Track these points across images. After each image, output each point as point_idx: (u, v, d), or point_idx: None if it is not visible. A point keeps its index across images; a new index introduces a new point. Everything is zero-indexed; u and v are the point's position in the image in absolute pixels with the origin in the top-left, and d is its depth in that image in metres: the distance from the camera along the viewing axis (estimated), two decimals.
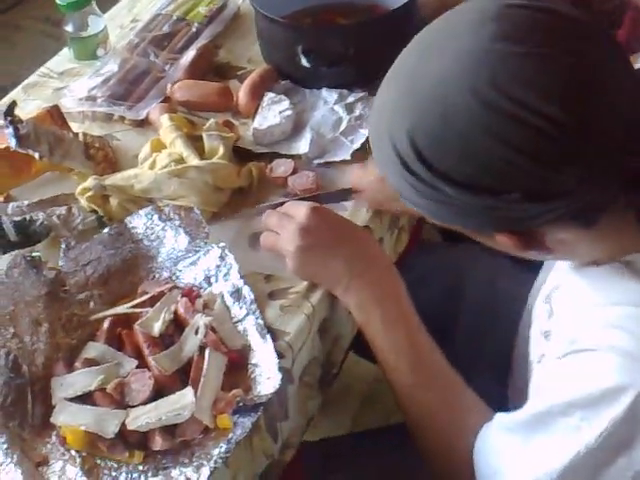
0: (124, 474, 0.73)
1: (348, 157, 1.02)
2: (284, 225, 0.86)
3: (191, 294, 0.85)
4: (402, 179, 0.66)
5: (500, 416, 0.75)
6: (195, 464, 0.73)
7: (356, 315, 0.85)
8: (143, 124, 1.10)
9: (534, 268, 0.89)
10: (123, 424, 0.74)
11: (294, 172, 1.00)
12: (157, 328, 0.81)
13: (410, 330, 0.82)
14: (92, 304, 0.87)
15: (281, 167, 1.00)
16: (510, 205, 0.61)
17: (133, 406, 0.76)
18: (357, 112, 1.08)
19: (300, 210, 0.86)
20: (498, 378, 0.94)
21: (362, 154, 1.02)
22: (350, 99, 1.09)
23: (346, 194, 0.97)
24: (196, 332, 0.80)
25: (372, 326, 0.83)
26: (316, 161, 1.02)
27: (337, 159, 1.02)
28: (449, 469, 0.80)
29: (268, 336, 0.81)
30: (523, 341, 0.87)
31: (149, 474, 0.73)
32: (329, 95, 1.11)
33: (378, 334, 0.83)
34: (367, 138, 1.04)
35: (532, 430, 0.69)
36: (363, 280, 0.83)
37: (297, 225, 0.85)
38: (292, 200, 0.94)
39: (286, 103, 1.08)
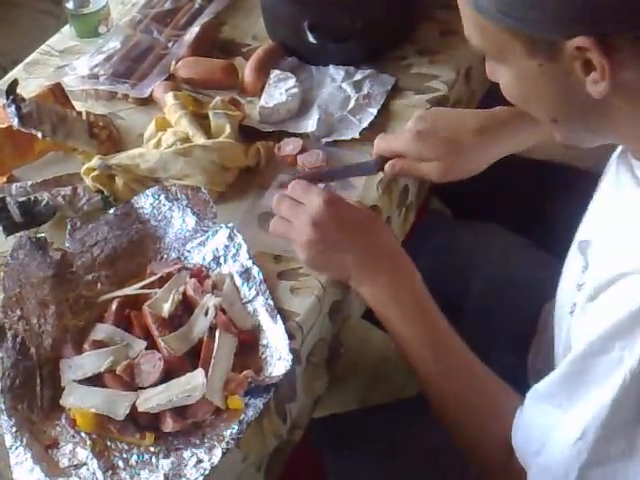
0: (135, 456, 0.73)
1: (357, 135, 1.00)
2: (296, 215, 0.84)
3: (200, 275, 0.84)
4: None
5: (534, 389, 0.73)
6: (207, 445, 0.72)
7: (373, 309, 0.84)
8: (147, 102, 1.09)
9: (548, 248, 0.88)
10: (133, 406, 0.74)
11: (302, 151, 0.98)
12: (166, 309, 0.80)
13: (429, 321, 0.82)
14: (99, 285, 0.86)
15: (289, 145, 0.99)
16: None
17: (143, 388, 0.75)
18: (365, 90, 1.06)
19: (313, 200, 0.83)
20: (515, 352, 0.94)
21: (370, 134, 1.01)
22: (358, 76, 1.08)
23: (376, 165, 0.94)
24: (206, 313, 0.79)
25: (390, 321, 0.82)
26: (324, 140, 1.01)
27: (346, 137, 1.00)
28: (482, 452, 0.79)
29: (278, 317, 0.80)
30: (552, 305, 0.86)
31: (160, 455, 0.72)
32: (336, 72, 1.09)
33: (397, 328, 0.82)
34: (375, 117, 1.02)
35: (573, 381, 0.67)
36: (376, 278, 0.82)
37: (309, 217, 0.83)
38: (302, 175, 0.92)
39: (292, 81, 1.07)
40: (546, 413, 0.70)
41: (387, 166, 0.93)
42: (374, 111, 1.03)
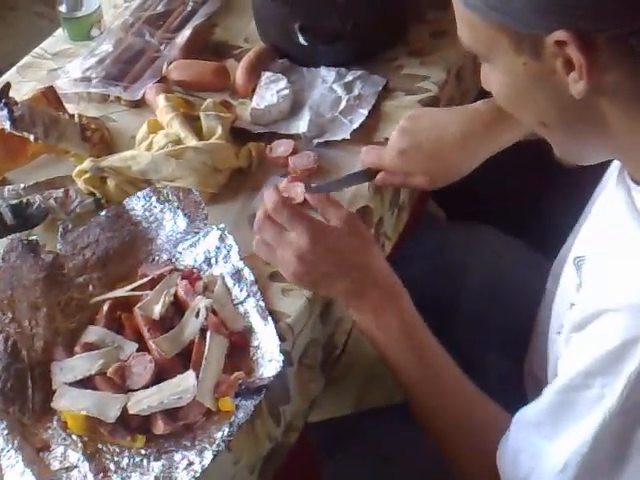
0: (126, 458, 0.73)
1: (348, 136, 1.00)
2: (280, 244, 0.83)
3: (191, 276, 0.84)
4: None
5: (520, 415, 0.73)
6: (198, 448, 0.72)
7: (360, 331, 0.84)
8: (139, 105, 1.09)
9: (542, 248, 0.88)
10: (124, 408, 0.74)
11: (294, 152, 0.98)
12: (157, 311, 0.80)
13: (417, 348, 0.81)
14: (91, 287, 0.86)
15: (281, 147, 0.99)
16: None
17: (134, 390, 0.75)
18: (356, 91, 1.06)
19: (300, 230, 0.81)
20: (510, 355, 0.94)
21: (361, 135, 1.01)
22: (349, 77, 1.08)
23: (367, 175, 0.95)
24: (197, 315, 0.79)
25: (377, 344, 0.82)
26: (315, 141, 1.01)
27: (337, 138, 1.00)
28: (469, 472, 0.79)
29: (269, 318, 0.80)
30: (546, 313, 0.86)
31: (151, 458, 0.72)
32: (327, 74, 1.09)
33: (384, 353, 0.82)
34: (366, 118, 1.02)
35: (557, 412, 0.67)
36: (362, 306, 0.82)
37: (294, 251, 0.81)
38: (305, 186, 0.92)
39: (284, 82, 1.07)
40: (532, 441, 0.70)
41: (377, 179, 0.94)
42: (365, 112, 1.03)
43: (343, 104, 1.04)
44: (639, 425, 0.61)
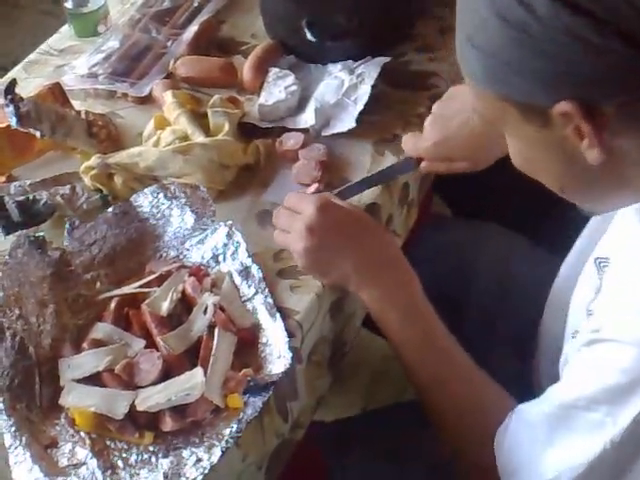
0: (134, 455, 0.72)
1: (353, 123, 0.99)
2: (291, 224, 0.84)
3: (199, 273, 0.84)
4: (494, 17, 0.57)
5: (522, 409, 0.73)
6: (206, 444, 0.72)
7: (371, 312, 0.84)
8: (146, 101, 1.09)
9: (550, 247, 0.87)
10: (132, 405, 0.73)
11: (303, 146, 0.98)
12: (165, 308, 0.79)
13: (426, 328, 0.81)
14: (98, 284, 0.86)
15: (291, 140, 0.99)
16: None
17: (142, 387, 0.75)
18: (359, 71, 1.05)
19: (307, 208, 0.83)
20: (516, 355, 0.93)
21: (370, 130, 1.00)
22: (353, 66, 1.07)
23: (412, 164, 0.94)
24: (205, 311, 0.79)
25: (387, 325, 0.82)
26: (323, 133, 1.00)
27: (343, 129, 0.99)
28: (473, 459, 0.79)
29: (278, 315, 0.80)
30: (551, 315, 0.85)
31: (160, 455, 0.72)
32: (334, 69, 1.08)
33: (394, 333, 0.82)
34: (370, 96, 1.00)
35: (555, 424, 0.67)
36: (374, 281, 0.82)
37: (303, 225, 0.82)
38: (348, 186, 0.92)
39: (291, 78, 1.06)
40: (527, 439, 0.71)
41: (422, 167, 0.94)
42: (367, 88, 1.01)
43: (346, 84, 1.03)
44: (637, 458, 0.62)
